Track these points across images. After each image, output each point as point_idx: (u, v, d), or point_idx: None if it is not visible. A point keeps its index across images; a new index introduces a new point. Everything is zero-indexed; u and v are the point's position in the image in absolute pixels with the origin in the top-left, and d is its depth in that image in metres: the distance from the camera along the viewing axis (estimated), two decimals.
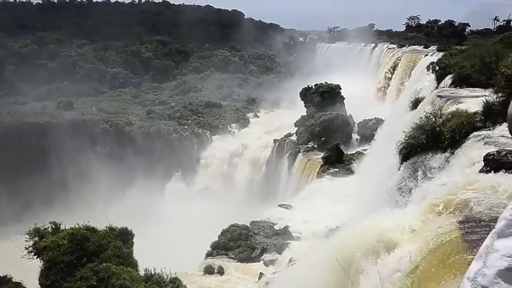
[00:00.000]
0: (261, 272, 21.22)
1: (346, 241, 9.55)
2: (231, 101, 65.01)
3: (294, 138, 43.75)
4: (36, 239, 12.34)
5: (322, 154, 35.13)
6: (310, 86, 44.94)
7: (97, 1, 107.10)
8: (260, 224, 26.63)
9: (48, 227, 12.68)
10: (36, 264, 12.18)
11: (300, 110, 45.79)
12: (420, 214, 8.61)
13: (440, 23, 72.13)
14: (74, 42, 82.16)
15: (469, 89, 18.00)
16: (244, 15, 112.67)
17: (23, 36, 79.11)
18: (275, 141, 45.91)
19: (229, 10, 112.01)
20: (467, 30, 65.76)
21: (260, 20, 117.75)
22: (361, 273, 7.80)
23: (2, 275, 11.73)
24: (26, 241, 12.25)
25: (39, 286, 11.97)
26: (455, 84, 19.47)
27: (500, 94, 12.60)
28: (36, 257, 12.07)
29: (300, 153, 38.47)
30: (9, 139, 47.85)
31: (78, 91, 63.53)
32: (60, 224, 12.86)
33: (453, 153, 11.75)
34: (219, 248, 23.91)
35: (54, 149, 47.25)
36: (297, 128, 44.36)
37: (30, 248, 12.15)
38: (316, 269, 9.62)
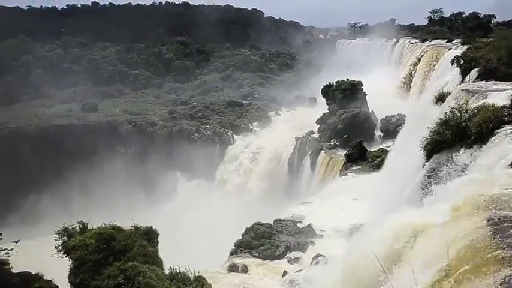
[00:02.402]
0: (284, 270, 21.19)
1: (374, 239, 9.43)
2: (252, 100, 65.13)
3: (316, 135, 43.51)
4: (65, 238, 12.66)
5: (344, 151, 34.83)
6: (332, 83, 44.57)
7: (119, 4, 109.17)
8: (283, 222, 26.57)
9: (76, 227, 12.99)
10: (65, 263, 12.50)
11: (322, 107, 45.50)
12: (448, 212, 8.43)
13: (464, 16, 70.28)
14: (97, 45, 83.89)
15: (495, 82, 17.52)
16: (264, 13, 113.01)
17: (49, 41, 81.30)
18: (297, 139, 45.75)
19: (249, 9, 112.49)
20: (492, 22, 63.86)
21: (280, 18, 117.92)
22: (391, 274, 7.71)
23: (33, 273, 12.09)
24: (56, 240, 12.58)
25: (68, 284, 12.28)
26: (481, 77, 19.00)
27: None
28: (65, 255, 12.38)
29: (322, 151, 38.23)
30: (37, 141, 49.20)
31: (102, 93, 64.89)
32: (87, 224, 13.15)
33: (480, 148, 11.46)
34: (242, 247, 23.97)
35: (80, 149, 48.37)
36: (318, 125, 44.10)
37: (60, 247, 12.47)
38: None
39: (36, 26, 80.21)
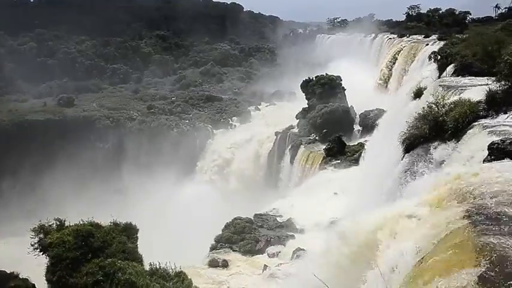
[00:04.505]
0: (265, 264, 21.30)
1: (350, 234, 9.50)
2: (231, 95, 64.91)
3: (295, 130, 43.66)
4: (41, 235, 12.37)
5: (324, 146, 35.09)
6: (311, 77, 44.79)
7: None
8: (263, 216, 26.71)
9: (53, 224, 12.70)
10: (43, 261, 12.23)
11: (301, 102, 45.67)
12: (424, 205, 8.57)
13: (440, 12, 71.66)
14: (72, 38, 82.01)
15: (471, 77, 17.90)
16: (243, 7, 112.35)
17: (21, 34, 78.97)
18: (277, 133, 45.83)
19: (228, 3, 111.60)
20: (468, 18, 65.39)
21: (259, 13, 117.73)
22: (368, 266, 7.79)
23: (9, 272, 11.78)
24: (32, 238, 12.29)
25: (45, 282, 12.03)
26: (457, 73, 19.39)
27: (503, 82, 12.53)
28: (42, 253, 12.11)
29: (302, 146, 38.42)
30: (10, 137, 47.88)
31: (78, 88, 63.56)
32: (64, 221, 12.88)
33: (457, 142, 11.69)
34: (222, 241, 24.00)
35: (56, 145, 47.30)
36: (298, 120, 44.27)
37: (36, 245, 12.19)
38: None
39: (7, 17, 77.73)
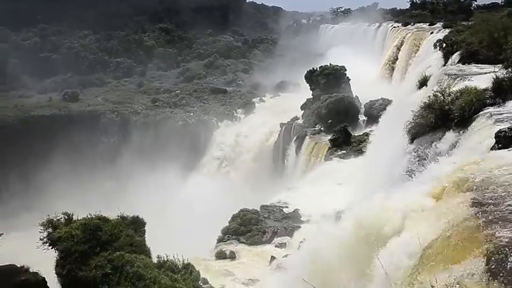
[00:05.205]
0: (272, 256, 21.38)
1: (353, 224, 9.49)
2: (236, 87, 64.84)
3: (300, 121, 43.55)
4: (50, 230, 12.48)
5: (329, 136, 35.01)
6: (315, 68, 44.58)
7: None
8: (270, 208, 26.77)
9: (61, 218, 12.79)
10: (49, 254, 12.36)
11: (306, 93, 45.50)
12: (431, 194, 8.55)
13: None
14: (75, 33, 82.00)
15: (477, 65, 17.72)
16: None
17: (24, 29, 79.01)
18: (282, 125, 45.74)
19: None
20: (473, 5, 64.62)
21: (262, 4, 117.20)
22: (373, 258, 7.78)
23: (19, 266, 11.90)
24: (40, 232, 12.42)
25: (55, 275, 12.17)
26: (463, 61, 19.18)
27: (510, 69, 12.40)
28: (51, 247, 12.23)
29: (307, 137, 38.35)
30: (16, 132, 48.17)
31: (83, 82, 63.72)
32: (72, 215, 12.97)
33: (463, 131, 11.61)
34: (229, 233, 24.11)
35: (62, 140, 47.54)
36: (303, 111, 44.14)
37: (45, 239, 12.31)
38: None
39: (9, 13, 77.76)
